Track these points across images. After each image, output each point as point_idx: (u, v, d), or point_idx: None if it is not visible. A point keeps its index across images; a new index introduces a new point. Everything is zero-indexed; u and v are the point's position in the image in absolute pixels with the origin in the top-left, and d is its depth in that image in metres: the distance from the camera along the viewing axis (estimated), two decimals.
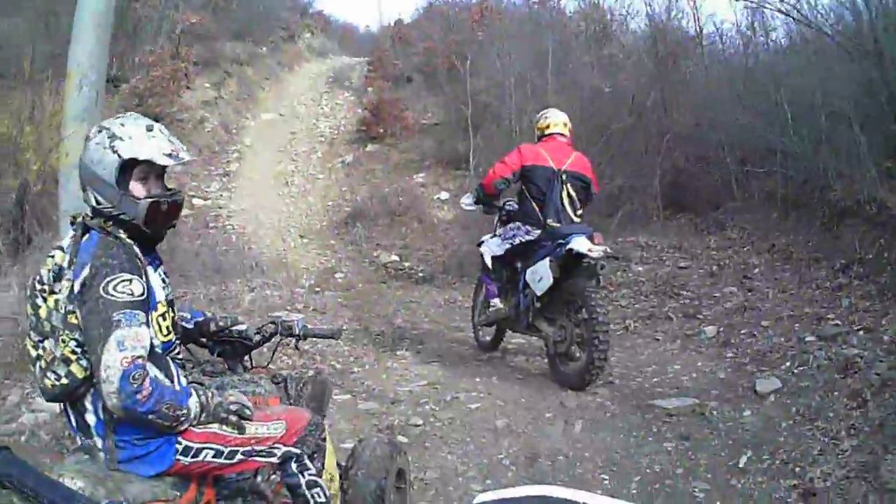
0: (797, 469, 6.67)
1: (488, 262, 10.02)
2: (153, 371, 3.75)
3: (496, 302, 9.82)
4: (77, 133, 5.67)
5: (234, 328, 5.20)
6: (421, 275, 17.28)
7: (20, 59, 21.40)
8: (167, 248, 14.48)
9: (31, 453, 4.31)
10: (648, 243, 14.43)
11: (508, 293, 9.92)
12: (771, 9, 15.97)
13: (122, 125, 3.99)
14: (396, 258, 18.73)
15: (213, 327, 5.12)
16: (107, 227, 3.90)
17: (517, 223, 9.64)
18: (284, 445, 4.33)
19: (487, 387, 9.31)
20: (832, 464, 6.60)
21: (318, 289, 15.81)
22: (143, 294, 3.77)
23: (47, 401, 4.09)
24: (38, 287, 3.84)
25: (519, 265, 9.69)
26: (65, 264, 3.81)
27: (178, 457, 3.94)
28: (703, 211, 15.51)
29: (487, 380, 9.57)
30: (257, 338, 5.30)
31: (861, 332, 8.88)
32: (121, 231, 3.92)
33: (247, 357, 5.39)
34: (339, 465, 5.80)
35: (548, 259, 8.94)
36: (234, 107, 28.52)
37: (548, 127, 9.86)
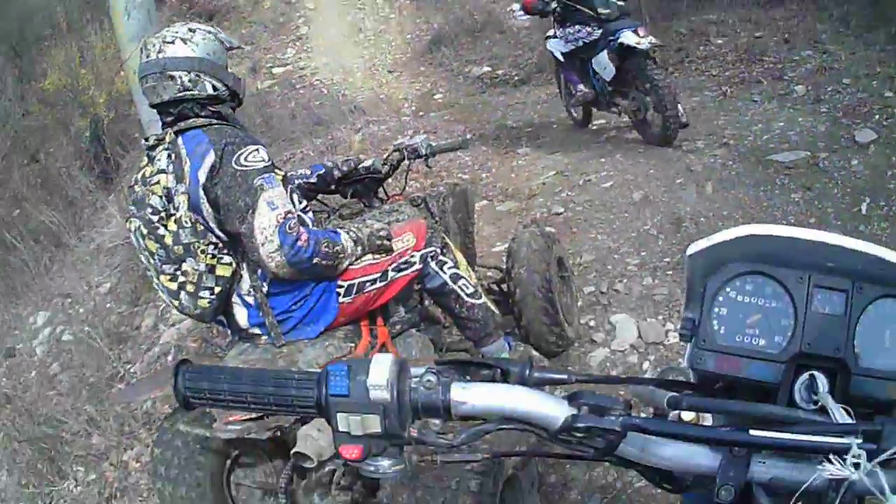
0: None
1: (560, 58, 10.35)
2: None
3: (580, 88, 10.10)
4: (138, 54, 5.76)
5: (361, 166, 5.15)
6: (517, 78, 16.81)
7: (53, 20, 21.07)
8: (261, 121, 14.69)
9: None
10: (720, 19, 13.95)
11: (584, 81, 10.17)
12: None
13: (197, 26, 4.18)
14: (489, 69, 18.19)
15: (336, 174, 5.12)
16: (205, 119, 3.98)
17: (577, 26, 9.80)
18: (417, 251, 4.41)
19: (614, 164, 9.24)
20: None
21: (421, 113, 15.55)
22: (270, 159, 3.88)
23: (208, 321, 4.16)
24: (156, 219, 3.78)
25: (584, 57, 9.91)
26: (171, 184, 3.79)
27: (342, 299, 4.05)
28: None
29: (612, 158, 9.47)
30: (385, 168, 5.23)
31: None
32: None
33: (380, 190, 5.34)
34: (497, 268, 6.20)
35: (605, 52, 9.34)
36: None
37: None
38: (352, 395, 1.39)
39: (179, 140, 3.85)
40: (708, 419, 1.64)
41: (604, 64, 9.47)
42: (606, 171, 9.10)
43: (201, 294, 3.81)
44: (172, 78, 3.91)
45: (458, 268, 4.56)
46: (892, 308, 1.52)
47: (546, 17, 10.56)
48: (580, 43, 9.84)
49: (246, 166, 3.71)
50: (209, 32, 4.12)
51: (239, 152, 3.74)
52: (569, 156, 10.15)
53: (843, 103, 9.39)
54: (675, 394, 1.61)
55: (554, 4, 10.10)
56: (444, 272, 4.48)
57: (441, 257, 4.49)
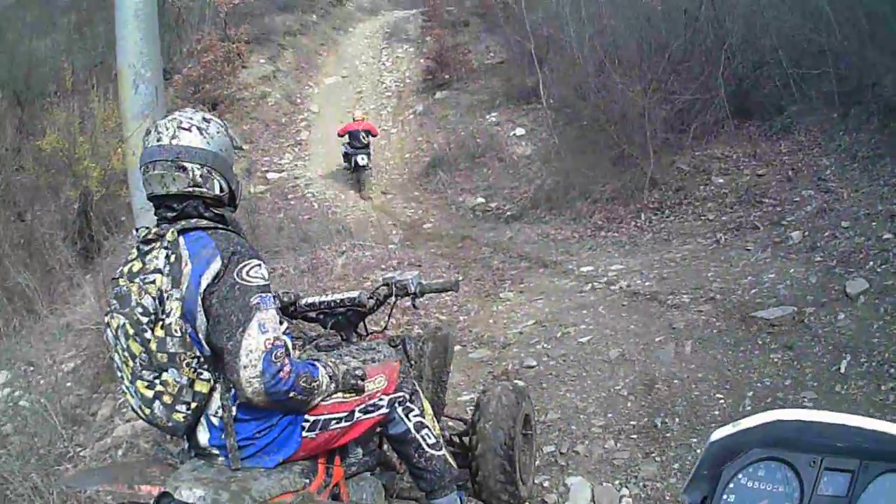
0: (892, 370, 6.71)
1: (343, 157, 21.66)
2: None
3: (347, 167, 21.44)
4: (141, 132, 5.65)
5: (346, 297, 5.05)
6: (510, 213, 17.08)
7: (59, 76, 21.40)
8: (248, 227, 14.56)
9: (136, 468, 4.00)
10: (725, 154, 14.26)
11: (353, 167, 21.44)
12: None
13: (210, 116, 4.03)
14: (482, 200, 18.57)
15: (304, 303, 5.13)
16: (209, 221, 3.84)
17: (350, 148, 21.09)
18: (386, 395, 4.34)
19: (595, 317, 9.28)
20: None
21: (408, 242, 15.70)
22: (269, 278, 3.76)
23: (179, 436, 3.94)
24: (145, 320, 3.59)
25: (351, 157, 21.25)
26: (165, 286, 3.61)
27: (306, 434, 3.93)
28: (768, 116, 15.22)
29: (594, 310, 9.53)
30: (371, 303, 5.10)
31: None
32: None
33: (360, 325, 5.26)
34: (462, 419, 6.12)
35: (354, 160, 20.75)
36: (293, 77, 28.55)
37: (355, 117, 22.06)
38: None
39: (181, 240, 3.70)
40: None
41: (354, 161, 20.93)
42: (586, 324, 9.13)
43: (178, 408, 3.66)
44: (184, 169, 3.79)
45: (423, 416, 4.50)
46: (892, 483, 1.58)
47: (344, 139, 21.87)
48: (349, 152, 21.21)
49: (247, 281, 3.61)
50: (221, 126, 4.00)
51: (243, 264, 3.64)
52: (551, 304, 10.25)
53: (838, 250, 9.32)
54: None
55: (345, 138, 21.41)
56: (409, 420, 4.42)
57: (409, 404, 4.45)
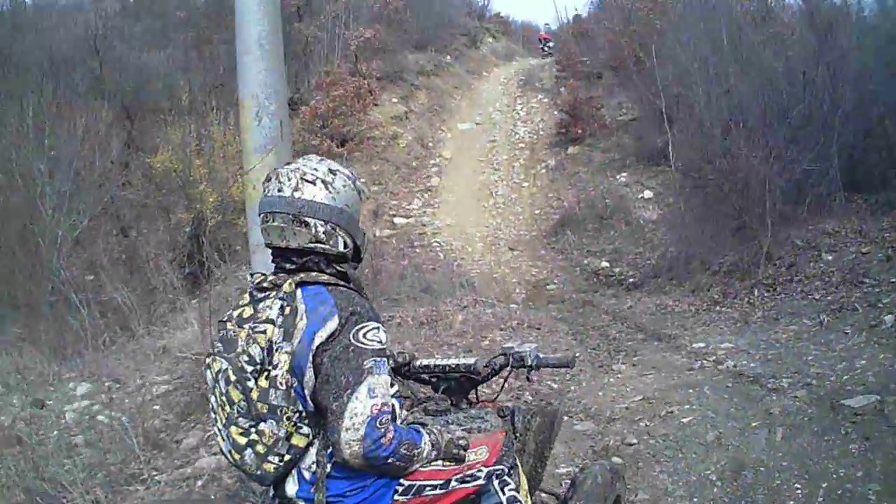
0: None
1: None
2: None
3: None
4: (263, 165, 5.85)
5: (461, 363, 4.87)
6: (632, 280, 17.00)
7: (174, 93, 21.78)
8: (370, 272, 14.33)
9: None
10: (835, 229, 14.11)
11: None
12: None
13: (337, 167, 3.88)
14: (607, 264, 18.48)
15: (418, 364, 4.99)
16: (329, 277, 3.74)
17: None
18: (486, 467, 4.13)
19: (699, 398, 9.39)
20: None
21: (531, 303, 15.61)
22: (388, 342, 3.67)
23: (266, 485, 3.82)
24: (250, 369, 3.50)
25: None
26: (276, 337, 3.52)
27: (398, 497, 3.82)
28: (874, 190, 15.09)
29: (699, 390, 9.63)
30: (486, 371, 4.90)
31: None
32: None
33: (472, 392, 5.07)
34: (555, 494, 5.79)
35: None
36: (426, 119, 28.48)
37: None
38: None
39: (299, 293, 3.61)
40: None
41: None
42: (690, 403, 9.26)
43: (270, 458, 3.59)
44: (306, 225, 3.66)
45: (517, 492, 4.23)
46: None
47: None
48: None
49: (363, 344, 3.50)
50: (349, 178, 3.82)
51: (360, 326, 3.54)
52: (660, 380, 10.40)
53: None
54: None
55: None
56: (504, 493, 4.15)
57: (506, 477, 4.21)
